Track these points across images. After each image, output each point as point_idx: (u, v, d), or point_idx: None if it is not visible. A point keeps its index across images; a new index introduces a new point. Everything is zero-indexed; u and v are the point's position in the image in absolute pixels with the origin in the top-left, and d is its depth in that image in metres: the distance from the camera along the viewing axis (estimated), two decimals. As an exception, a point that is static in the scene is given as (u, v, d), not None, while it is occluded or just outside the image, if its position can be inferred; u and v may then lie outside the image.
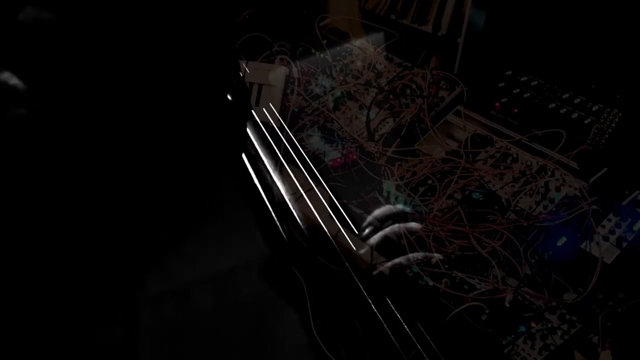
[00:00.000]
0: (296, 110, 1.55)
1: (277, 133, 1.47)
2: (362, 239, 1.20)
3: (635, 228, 1.06)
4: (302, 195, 1.34)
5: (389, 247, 1.18)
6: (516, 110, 1.32)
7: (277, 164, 1.41)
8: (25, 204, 0.82)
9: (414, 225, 1.16)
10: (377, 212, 1.23)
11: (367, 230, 1.20)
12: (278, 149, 1.43)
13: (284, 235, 1.31)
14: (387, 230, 1.18)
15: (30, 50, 0.70)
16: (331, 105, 1.55)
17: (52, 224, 0.87)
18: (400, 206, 1.22)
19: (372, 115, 1.48)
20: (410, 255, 1.13)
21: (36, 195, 0.81)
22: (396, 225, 1.17)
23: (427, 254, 1.12)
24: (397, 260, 1.13)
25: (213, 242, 1.31)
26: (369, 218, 1.22)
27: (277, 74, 1.58)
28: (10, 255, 0.89)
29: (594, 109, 1.26)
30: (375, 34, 1.70)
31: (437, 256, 1.11)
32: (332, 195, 1.30)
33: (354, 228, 1.22)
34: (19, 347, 1.01)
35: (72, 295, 1.06)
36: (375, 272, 1.15)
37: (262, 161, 1.43)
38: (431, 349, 1.03)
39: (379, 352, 1.10)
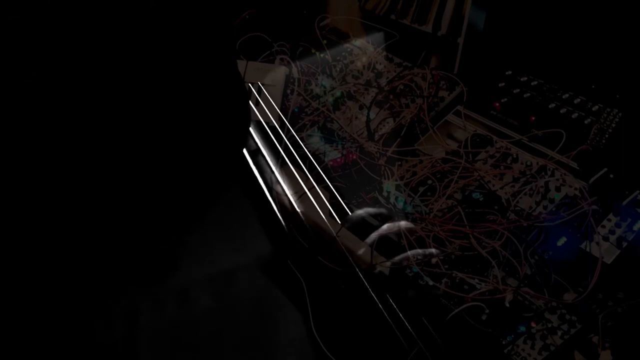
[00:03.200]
0: (296, 110, 1.55)
1: (278, 133, 1.47)
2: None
3: (635, 228, 1.06)
4: (302, 195, 1.34)
5: (389, 247, 1.18)
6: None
7: (277, 163, 1.41)
8: (24, 203, 0.82)
9: (403, 224, 1.17)
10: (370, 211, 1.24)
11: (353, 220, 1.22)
12: (278, 149, 1.43)
13: (285, 236, 1.31)
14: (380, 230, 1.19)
15: (27, 48, 0.70)
16: (331, 105, 1.55)
17: (51, 223, 0.87)
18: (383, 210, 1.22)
19: (372, 115, 1.48)
20: (410, 252, 1.13)
21: (35, 194, 0.81)
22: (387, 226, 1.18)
23: (426, 250, 1.12)
24: (396, 259, 1.14)
25: (213, 242, 1.31)
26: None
27: (277, 74, 1.58)
28: (9, 255, 0.89)
29: (594, 109, 1.26)
30: (375, 34, 1.70)
31: (434, 251, 1.11)
32: (330, 195, 1.30)
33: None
34: (19, 347, 1.01)
35: (72, 295, 1.06)
36: (374, 272, 1.15)
37: (262, 161, 1.43)
38: (431, 349, 1.03)
39: (379, 352, 1.10)
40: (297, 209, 1.33)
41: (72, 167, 0.78)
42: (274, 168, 1.41)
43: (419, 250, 1.13)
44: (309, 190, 1.34)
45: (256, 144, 1.46)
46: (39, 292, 0.99)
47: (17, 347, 1.01)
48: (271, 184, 1.39)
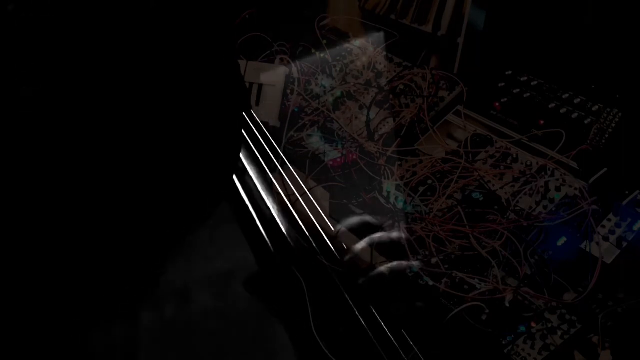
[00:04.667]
0: (296, 110, 1.55)
1: (277, 133, 1.47)
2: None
3: (635, 228, 1.06)
4: (301, 195, 1.34)
5: (389, 247, 1.18)
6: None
7: (277, 164, 1.41)
8: (24, 204, 0.82)
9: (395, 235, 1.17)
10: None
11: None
12: (277, 149, 1.43)
13: (284, 236, 1.31)
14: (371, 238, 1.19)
15: (27, 50, 0.70)
16: (331, 105, 1.55)
17: (50, 224, 0.87)
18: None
19: (372, 115, 1.48)
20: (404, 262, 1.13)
21: (35, 195, 0.81)
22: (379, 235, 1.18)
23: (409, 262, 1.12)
24: (394, 264, 1.14)
25: (213, 242, 1.31)
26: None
27: (277, 74, 1.58)
28: (10, 256, 0.89)
29: (594, 109, 1.26)
30: (375, 34, 1.70)
31: (416, 264, 1.12)
32: (330, 196, 1.30)
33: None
34: (19, 348, 1.01)
35: (71, 295, 1.06)
36: (373, 273, 1.16)
37: (262, 161, 1.43)
38: (431, 349, 1.03)
39: (379, 352, 1.10)
40: (296, 209, 1.33)
41: (73, 169, 0.78)
42: (272, 169, 1.41)
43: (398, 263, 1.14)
44: (309, 190, 1.34)
45: (254, 145, 1.46)
46: (40, 293, 0.99)
47: (17, 347, 1.01)
48: (270, 184, 1.39)
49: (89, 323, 1.12)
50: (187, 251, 1.28)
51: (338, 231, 1.22)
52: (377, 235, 1.19)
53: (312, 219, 1.29)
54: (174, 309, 1.22)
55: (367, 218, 1.23)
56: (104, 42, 0.72)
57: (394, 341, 1.06)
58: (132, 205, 0.95)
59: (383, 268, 1.14)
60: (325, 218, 1.28)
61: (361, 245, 1.19)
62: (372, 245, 1.18)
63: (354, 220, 1.24)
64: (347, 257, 1.18)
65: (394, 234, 1.17)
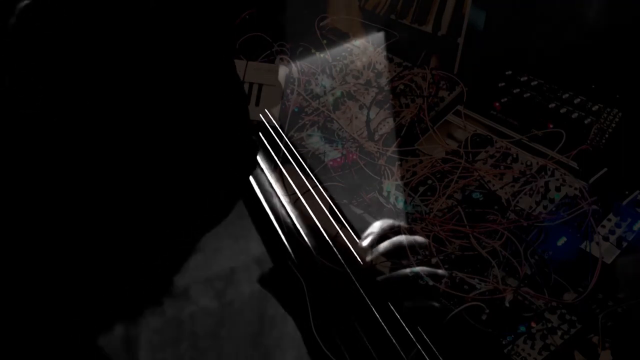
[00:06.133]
0: (296, 110, 1.55)
1: (277, 133, 1.47)
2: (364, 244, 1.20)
3: (635, 228, 1.06)
4: (301, 195, 1.34)
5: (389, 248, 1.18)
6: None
7: (277, 164, 1.41)
8: (25, 204, 0.82)
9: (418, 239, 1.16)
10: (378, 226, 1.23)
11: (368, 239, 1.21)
12: (277, 150, 1.43)
13: (284, 236, 1.31)
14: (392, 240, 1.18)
15: (29, 52, 0.70)
16: (331, 105, 1.55)
17: (52, 225, 0.87)
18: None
19: (372, 115, 1.48)
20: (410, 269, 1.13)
21: (36, 195, 0.81)
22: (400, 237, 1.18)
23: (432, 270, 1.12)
24: (401, 273, 1.13)
25: (213, 242, 1.31)
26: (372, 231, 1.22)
27: (277, 74, 1.58)
28: (9, 256, 0.89)
29: (594, 109, 1.26)
30: (375, 34, 1.70)
31: (442, 273, 1.11)
32: (329, 197, 1.30)
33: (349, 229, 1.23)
34: (18, 347, 1.01)
35: (72, 295, 1.06)
36: (377, 277, 1.15)
37: (261, 161, 1.43)
38: (431, 349, 1.03)
39: (379, 352, 1.10)
40: (296, 209, 1.33)
41: (72, 168, 0.78)
42: (272, 169, 1.41)
43: (425, 269, 1.13)
44: (308, 191, 1.34)
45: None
46: (39, 293, 0.99)
47: (16, 347, 1.01)
48: (270, 185, 1.39)
49: (89, 322, 1.12)
50: (187, 252, 1.28)
51: (371, 259, 1.22)
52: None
53: (311, 219, 1.29)
54: (175, 309, 1.22)
55: (396, 240, 1.21)
56: (103, 42, 0.72)
57: (404, 337, 1.05)
58: (132, 206, 0.95)
59: (407, 270, 1.13)
60: (325, 218, 1.28)
61: (384, 246, 1.18)
62: (373, 245, 1.18)
63: (386, 245, 1.23)
64: (367, 260, 1.17)
65: (418, 239, 1.16)
